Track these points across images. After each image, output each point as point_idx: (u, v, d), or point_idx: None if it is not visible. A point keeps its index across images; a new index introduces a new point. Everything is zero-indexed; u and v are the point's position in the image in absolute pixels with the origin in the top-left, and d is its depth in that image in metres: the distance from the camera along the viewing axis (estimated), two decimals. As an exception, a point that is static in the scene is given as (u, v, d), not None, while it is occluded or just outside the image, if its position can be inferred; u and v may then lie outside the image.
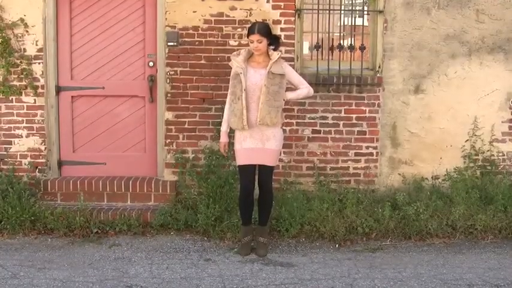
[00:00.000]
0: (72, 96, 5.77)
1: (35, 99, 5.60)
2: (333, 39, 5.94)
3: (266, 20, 5.38)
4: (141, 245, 4.93)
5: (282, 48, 5.25)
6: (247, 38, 4.54)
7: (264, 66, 4.56)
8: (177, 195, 5.58)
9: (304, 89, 4.70)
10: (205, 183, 5.46)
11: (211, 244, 4.96)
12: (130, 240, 5.03)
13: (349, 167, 5.78)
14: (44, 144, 5.66)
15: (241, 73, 4.51)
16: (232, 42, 5.56)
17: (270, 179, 4.68)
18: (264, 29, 4.48)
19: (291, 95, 4.68)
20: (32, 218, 5.14)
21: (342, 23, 5.96)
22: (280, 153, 4.98)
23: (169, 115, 5.63)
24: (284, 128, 5.53)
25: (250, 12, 5.53)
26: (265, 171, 4.62)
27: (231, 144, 4.89)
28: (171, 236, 5.14)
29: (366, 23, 5.99)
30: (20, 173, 5.61)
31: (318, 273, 4.34)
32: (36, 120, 5.63)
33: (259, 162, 4.60)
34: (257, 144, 4.57)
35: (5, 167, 5.61)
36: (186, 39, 5.55)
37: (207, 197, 5.35)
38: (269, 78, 4.49)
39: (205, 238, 5.08)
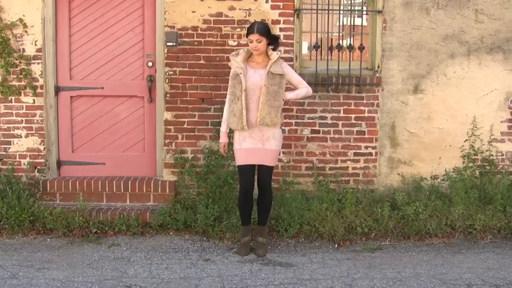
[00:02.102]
0: (71, 97, 5.76)
1: (34, 99, 5.59)
2: (331, 39, 5.94)
3: (265, 20, 5.38)
4: (140, 245, 4.93)
5: (281, 48, 5.26)
6: (247, 37, 4.54)
7: (263, 66, 4.56)
8: (176, 195, 5.58)
9: (303, 89, 4.70)
10: (204, 183, 5.46)
11: (210, 244, 4.96)
12: (130, 241, 5.02)
13: (348, 167, 5.77)
14: (43, 144, 5.66)
15: (240, 73, 4.51)
16: (231, 42, 5.56)
17: (269, 179, 4.67)
18: (263, 29, 4.48)
19: (290, 95, 4.68)
20: (31, 218, 5.14)
21: (341, 23, 5.95)
22: (280, 153, 4.97)
23: (168, 115, 5.63)
24: (283, 128, 5.53)
25: (249, 12, 5.54)
26: (265, 171, 4.62)
27: (230, 144, 4.89)
28: (170, 236, 5.14)
29: (364, 23, 5.99)
30: (19, 173, 5.61)
31: (317, 273, 4.34)
32: (35, 120, 5.62)
33: (259, 162, 4.60)
34: (257, 145, 4.56)
35: (4, 167, 5.61)
36: (185, 39, 5.55)
37: (206, 197, 5.36)
38: (269, 78, 4.49)
39: (205, 238, 5.08)
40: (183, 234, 5.16)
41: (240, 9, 5.53)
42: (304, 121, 5.72)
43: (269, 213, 4.83)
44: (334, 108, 5.71)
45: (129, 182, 5.60)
